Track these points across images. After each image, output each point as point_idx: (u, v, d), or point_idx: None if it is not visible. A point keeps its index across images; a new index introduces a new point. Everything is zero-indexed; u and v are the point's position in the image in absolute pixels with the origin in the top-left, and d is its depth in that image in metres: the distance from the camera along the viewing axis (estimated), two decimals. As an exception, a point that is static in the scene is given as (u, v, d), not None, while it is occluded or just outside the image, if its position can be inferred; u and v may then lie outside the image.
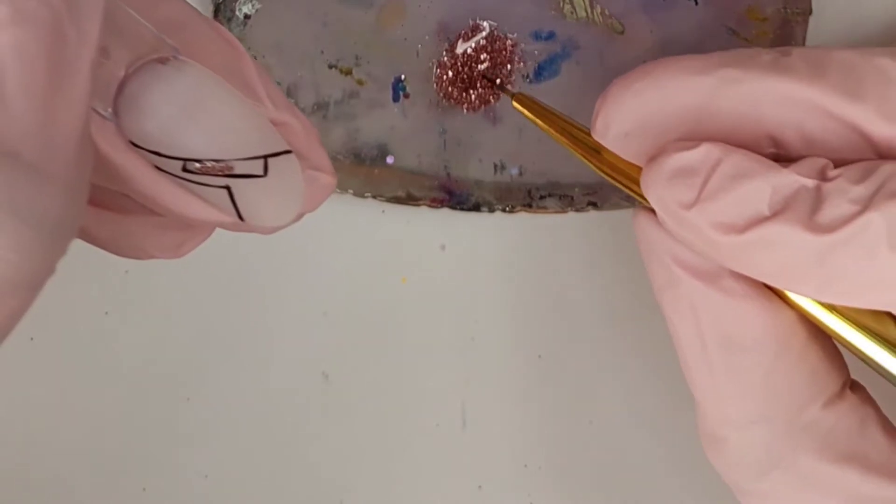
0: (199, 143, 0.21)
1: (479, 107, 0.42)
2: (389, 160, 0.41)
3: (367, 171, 0.41)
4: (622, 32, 0.42)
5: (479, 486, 0.43)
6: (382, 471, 0.42)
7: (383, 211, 0.42)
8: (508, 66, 0.42)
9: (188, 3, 0.24)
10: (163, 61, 0.21)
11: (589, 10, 0.42)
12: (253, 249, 0.41)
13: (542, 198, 0.41)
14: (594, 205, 0.41)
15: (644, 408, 0.42)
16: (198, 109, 0.21)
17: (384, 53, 0.42)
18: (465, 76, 0.41)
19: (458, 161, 0.41)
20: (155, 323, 0.42)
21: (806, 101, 0.26)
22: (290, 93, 0.40)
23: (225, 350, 0.42)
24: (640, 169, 0.28)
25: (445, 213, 0.41)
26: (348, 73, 0.41)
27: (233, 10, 0.40)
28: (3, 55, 0.17)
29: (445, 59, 0.41)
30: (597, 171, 0.29)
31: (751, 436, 0.28)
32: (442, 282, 0.42)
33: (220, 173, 0.21)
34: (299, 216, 0.24)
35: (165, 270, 0.41)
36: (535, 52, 0.42)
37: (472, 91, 0.41)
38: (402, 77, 0.42)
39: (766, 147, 0.27)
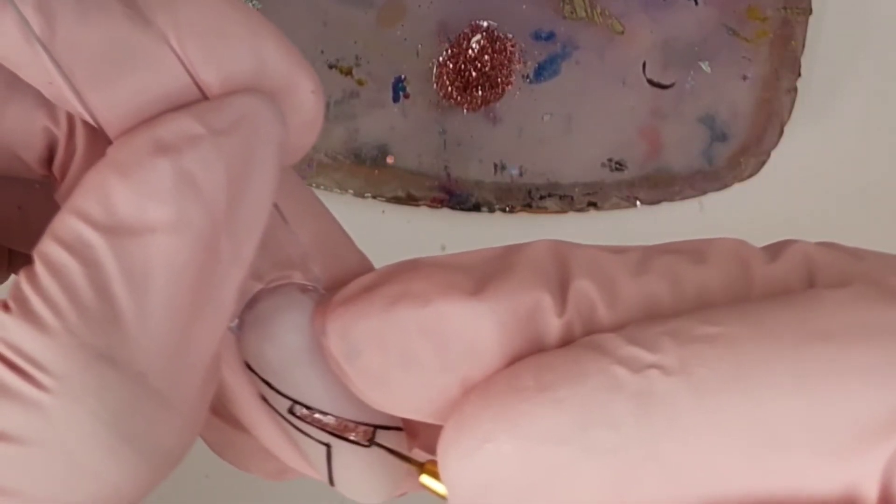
0: (315, 388, 0.19)
1: (480, 107, 0.42)
2: (389, 160, 0.41)
3: (367, 172, 0.41)
4: (622, 32, 0.42)
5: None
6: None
7: (383, 211, 0.42)
8: (508, 66, 0.42)
9: (339, 224, 0.21)
10: (304, 290, 0.19)
11: (589, 10, 0.42)
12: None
13: (542, 198, 0.41)
14: (594, 205, 0.41)
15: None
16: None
17: (384, 53, 0.42)
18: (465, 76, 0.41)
19: (458, 161, 0.41)
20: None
21: None
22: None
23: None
24: None
25: (445, 213, 0.41)
26: (348, 73, 0.41)
27: (233, 10, 0.40)
28: (154, 264, 0.16)
29: (446, 58, 0.41)
30: None
31: None
32: (442, 282, 0.42)
33: (325, 428, 0.19)
34: (396, 497, 0.20)
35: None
36: (536, 52, 0.42)
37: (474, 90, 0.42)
38: (403, 77, 0.42)
39: None
